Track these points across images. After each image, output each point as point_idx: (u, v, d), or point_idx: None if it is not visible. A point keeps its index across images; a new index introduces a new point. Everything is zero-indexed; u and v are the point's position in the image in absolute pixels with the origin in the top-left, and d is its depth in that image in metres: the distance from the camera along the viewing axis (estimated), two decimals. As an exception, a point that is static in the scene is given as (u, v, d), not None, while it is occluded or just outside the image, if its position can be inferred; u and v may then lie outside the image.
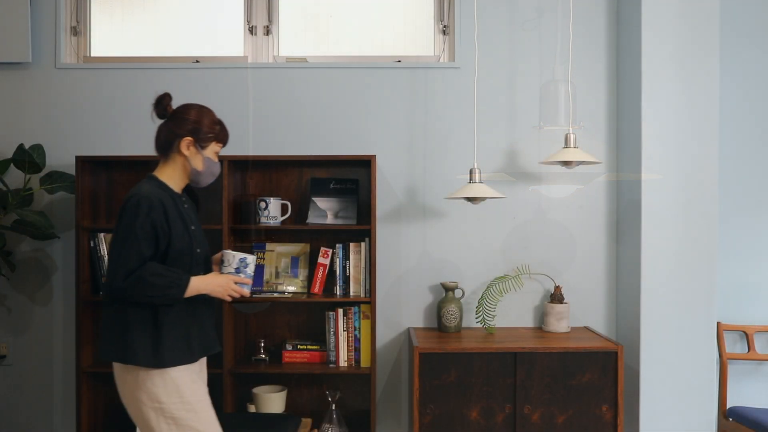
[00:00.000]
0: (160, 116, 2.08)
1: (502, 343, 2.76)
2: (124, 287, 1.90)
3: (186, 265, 2.01)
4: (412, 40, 3.29)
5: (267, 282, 3.01)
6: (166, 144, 2.05)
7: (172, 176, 2.07)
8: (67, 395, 3.11)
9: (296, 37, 3.28)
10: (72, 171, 3.00)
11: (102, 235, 2.88)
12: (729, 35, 3.11)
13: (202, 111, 2.08)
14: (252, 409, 2.95)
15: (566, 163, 2.74)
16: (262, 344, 2.99)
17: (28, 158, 2.85)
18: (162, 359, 1.94)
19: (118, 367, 2.00)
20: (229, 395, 2.88)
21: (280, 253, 3.04)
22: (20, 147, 2.85)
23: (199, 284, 1.99)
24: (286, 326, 3.10)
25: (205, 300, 2.08)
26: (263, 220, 2.92)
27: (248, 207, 3.09)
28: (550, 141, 3.12)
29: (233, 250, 2.18)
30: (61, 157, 3.10)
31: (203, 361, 2.13)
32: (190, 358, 2.00)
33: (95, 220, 2.98)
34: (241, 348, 3.06)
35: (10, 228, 2.88)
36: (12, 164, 2.92)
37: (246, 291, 2.10)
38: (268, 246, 3.05)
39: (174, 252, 1.98)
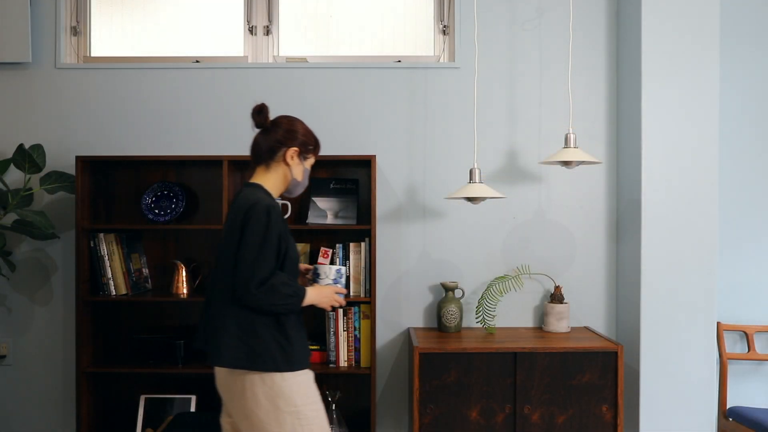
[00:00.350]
0: (258, 126, 2.13)
1: (502, 343, 2.76)
2: (258, 295, 1.92)
3: (295, 274, 2.08)
4: (412, 40, 3.29)
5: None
6: (269, 153, 2.10)
7: (274, 185, 2.12)
8: (67, 395, 3.11)
9: (296, 37, 3.28)
10: (72, 171, 3.00)
11: (102, 235, 2.88)
12: (729, 35, 3.11)
13: (305, 125, 2.17)
14: (252, 409, 2.94)
15: (566, 163, 2.74)
16: (262, 344, 2.99)
17: (28, 158, 2.85)
18: (293, 363, 1.98)
19: (240, 376, 1.97)
20: (229, 395, 2.88)
21: (280, 253, 3.04)
22: (20, 147, 2.85)
23: (311, 295, 2.05)
24: (286, 326, 3.09)
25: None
26: (263, 220, 2.91)
27: (248, 207, 3.09)
28: (550, 141, 3.12)
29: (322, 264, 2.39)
30: (61, 157, 3.10)
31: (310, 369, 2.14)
32: (306, 362, 2.05)
33: (95, 220, 2.98)
34: (241, 348, 3.06)
35: (10, 228, 2.88)
36: (12, 164, 2.92)
37: (343, 300, 2.19)
38: (268, 246, 3.04)
39: (289, 261, 2.03)
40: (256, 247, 1.93)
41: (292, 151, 2.10)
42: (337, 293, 2.13)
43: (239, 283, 1.93)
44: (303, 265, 2.23)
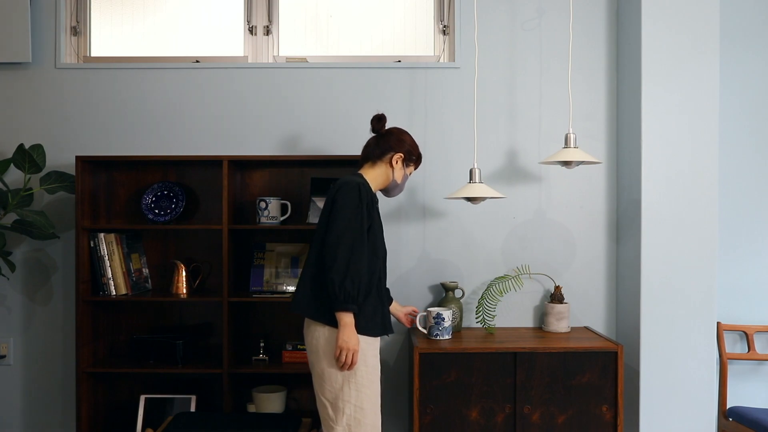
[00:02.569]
0: (374, 131, 2.49)
1: (502, 343, 2.76)
2: (333, 268, 2.18)
3: (376, 249, 2.33)
4: (412, 40, 3.29)
5: (267, 282, 3.01)
6: (379, 153, 2.44)
7: (375, 179, 2.44)
8: (67, 395, 3.11)
9: (296, 37, 3.28)
10: (72, 171, 3.00)
11: (102, 235, 2.88)
12: (729, 35, 3.11)
13: (413, 138, 2.52)
14: (252, 409, 2.95)
15: (566, 163, 2.74)
16: (262, 344, 2.99)
17: (28, 158, 2.85)
18: (357, 326, 2.24)
19: (311, 327, 2.29)
20: (228, 395, 2.88)
21: (280, 253, 3.04)
22: (20, 147, 2.85)
23: (347, 323, 2.22)
24: (286, 326, 3.10)
25: (387, 290, 2.51)
26: (263, 220, 2.92)
27: (248, 207, 3.09)
28: (550, 141, 3.12)
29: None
30: (61, 157, 3.10)
31: (378, 340, 2.37)
32: (373, 332, 2.30)
33: (95, 220, 2.98)
34: (241, 348, 3.06)
35: (10, 228, 2.88)
36: (12, 164, 2.92)
37: (350, 365, 2.28)
38: (268, 246, 3.05)
39: (372, 235, 2.30)
40: (347, 214, 2.22)
41: (398, 156, 2.44)
42: (352, 355, 2.23)
43: (327, 251, 2.21)
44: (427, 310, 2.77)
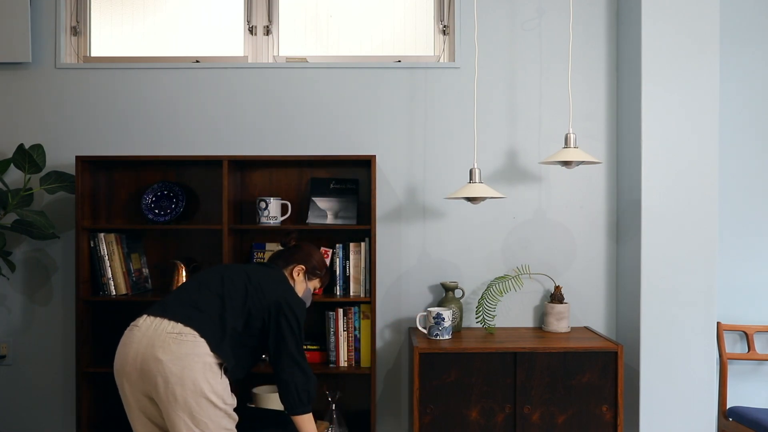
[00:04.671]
0: (282, 244, 2.57)
1: (502, 343, 2.76)
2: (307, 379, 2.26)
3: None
4: (412, 40, 3.29)
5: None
6: (283, 263, 2.48)
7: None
8: (67, 395, 3.11)
9: (296, 37, 3.28)
10: (72, 171, 3.00)
11: (102, 235, 2.88)
12: (729, 35, 3.11)
13: (322, 257, 2.56)
14: (252, 409, 2.94)
15: (566, 163, 2.74)
16: (262, 344, 2.99)
17: (28, 158, 2.85)
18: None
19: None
20: (229, 395, 2.88)
21: (280, 253, 3.04)
22: (20, 147, 2.85)
23: (311, 424, 2.30)
24: (286, 326, 3.09)
25: None
26: (263, 220, 2.92)
27: (248, 207, 3.09)
28: (550, 141, 3.12)
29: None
30: (61, 157, 3.10)
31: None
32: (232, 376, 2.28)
33: (95, 220, 2.98)
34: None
35: (10, 228, 2.88)
36: (12, 164, 2.92)
37: None
38: (268, 246, 3.05)
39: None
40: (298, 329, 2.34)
41: (299, 269, 2.45)
42: None
43: (302, 364, 2.29)
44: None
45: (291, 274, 2.44)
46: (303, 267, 2.45)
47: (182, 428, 2.06)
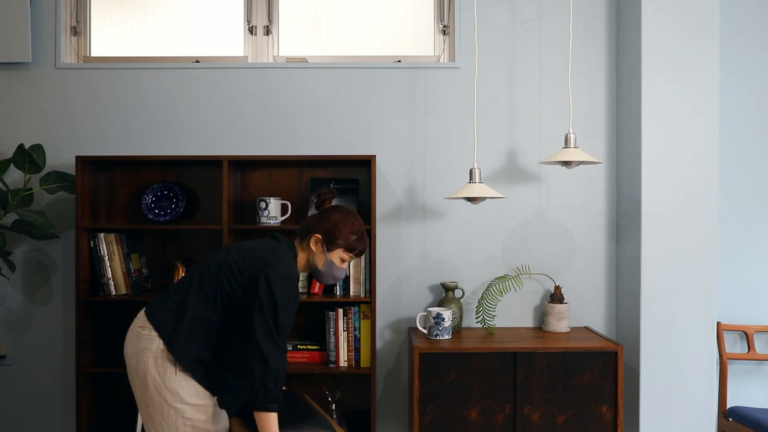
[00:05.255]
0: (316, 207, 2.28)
1: (502, 343, 2.76)
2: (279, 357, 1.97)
3: None
4: (412, 40, 3.29)
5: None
6: (303, 232, 2.22)
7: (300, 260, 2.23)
8: (67, 395, 3.11)
9: (296, 37, 3.28)
10: (72, 171, 3.00)
11: (102, 235, 2.88)
12: (729, 35, 3.11)
13: (354, 225, 2.22)
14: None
15: (566, 163, 2.74)
16: (262, 344, 2.99)
17: (28, 158, 2.85)
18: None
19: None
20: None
21: (280, 253, 3.04)
22: (20, 147, 2.85)
23: (272, 424, 1.99)
24: (286, 326, 3.09)
25: None
26: (263, 220, 2.92)
27: (248, 207, 3.09)
28: (550, 141, 3.12)
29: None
30: (61, 157, 3.10)
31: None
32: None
33: (95, 220, 2.98)
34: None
35: (10, 228, 2.88)
36: (12, 164, 2.92)
37: None
38: (268, 246, 3.05)
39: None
40: (278, 309, 2.05)
41: (316, 238, 2.18)
42: None
43: (271, 337, 2.00)
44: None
45: (309, 246, 2.18)
46: (320, 236, 2.17)
47: (144, 420, 2.08)
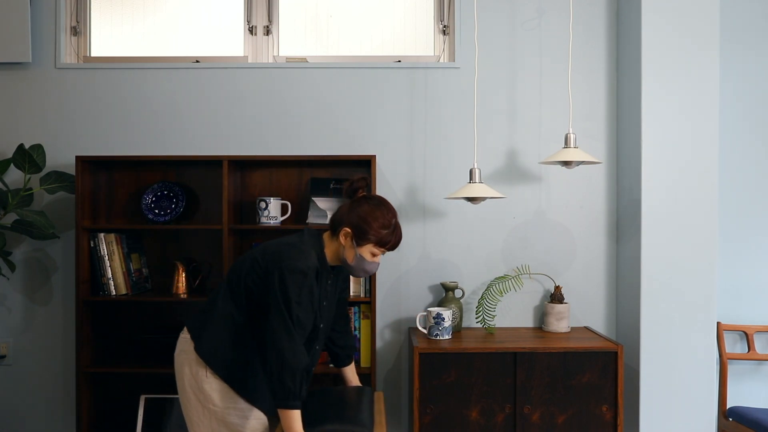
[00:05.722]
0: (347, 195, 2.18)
1: (502, 343, 2.76)
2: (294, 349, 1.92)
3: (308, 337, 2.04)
4: (412, 40, 3.29)
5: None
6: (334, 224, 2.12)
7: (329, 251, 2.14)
8: (67, 395, 3.11)
9: (296, 37, 3.28)
10: (72, 171, 3.00)
11: (102, 235, 2.88)
12: (729, 35, 3.11)
13: (384, 218, 2.10)
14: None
15: (566, 163, 2.74)
16: (262, 344, 2.99)
17: (28, 158, 2.85)
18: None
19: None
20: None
21: (280, 253, 3.04)
22: (20, 147, 2.85)
23: (293, 423, 1.92)
24: (286, 326, 3.09)
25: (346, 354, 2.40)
26: (263, 220, 2.92)
27: (248, 207, 3.09)
28: (550, 141, 3.12)
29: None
30: (61, 157, 3.10)
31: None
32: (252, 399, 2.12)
33: (95, 220, 2.98)
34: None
35: (10, 228, 2.88)
36: (12, 164, 2.92)
37: None
38: (268, 246, 3.05)
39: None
40: (290, 301, 2.00)
41: (345, 231, 2.09)
42: None
43: (287, 331, 1.96)
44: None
45: (339, 239, 2.08)
46: (349, 230, 2.06)
47: (185, 420, 2.10)
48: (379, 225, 2.06)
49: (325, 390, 2.34)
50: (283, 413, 1.91)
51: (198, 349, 2.03)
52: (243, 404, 2.05)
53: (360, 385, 2.43)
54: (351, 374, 2.43)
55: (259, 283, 2.00)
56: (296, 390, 1.90)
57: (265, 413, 2.09)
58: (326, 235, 2.13)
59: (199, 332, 2.06)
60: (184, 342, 2.09)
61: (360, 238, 2.05)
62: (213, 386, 2.03)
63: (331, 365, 2.92)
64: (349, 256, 2.08)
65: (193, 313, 2.16)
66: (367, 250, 2.08)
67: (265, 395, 2.07)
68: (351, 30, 3.28)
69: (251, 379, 2.06)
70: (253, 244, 3.05)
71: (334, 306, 2.24)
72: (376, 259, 2.11)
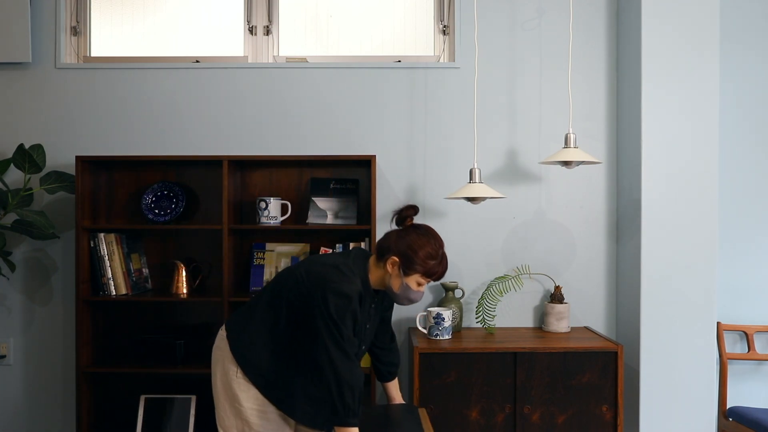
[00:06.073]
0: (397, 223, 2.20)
1: (502, 343, 2.76)
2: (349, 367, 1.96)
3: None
4: (412, 40, 3.29)
5: (267, 282, 3.01)
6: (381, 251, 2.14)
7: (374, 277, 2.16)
8: (67, 395, 3.11)
9: (296, 37, 3.28)
10: (72, 171, 3.00)
11: (102, 235, 2.88)
12: (729, 35, 3.11)
13: (433, 250, 2.12)
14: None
15: (566, 163, 2.74)
16: (262, 344, 2.99)
17: (28, 158, 2.85)
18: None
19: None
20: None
21: (280, 253, 3.04)
22: (20, 147, 2.85)
23: None
24: (286, 326, 3.09)
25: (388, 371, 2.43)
26: (263, 220, 2.92)
27: (248, 207, 3.09)
28: (550, 141, 3.12)
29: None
30: (61, 157, 3.10)
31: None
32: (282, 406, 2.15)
33: (95, 220, 2.98)
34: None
35: (10, 228, 2.88)
36: (12, 164, 2.92)
37: None
38: (268, 246, 3.05)
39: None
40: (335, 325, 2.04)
41: (393, 260, 2.10)
42: None
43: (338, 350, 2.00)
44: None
45: (385, 266, 2.11)
46: (396, 259, 2.08)
47: (215, 413, 2.16)
48: (426, 256, 2.09)
49: (371, 408, 2.40)
50: (340, 431, 1.96)
51: (233, 350, 2.09)
52: (267, 407, 2.09)
53: (404, 402, 2.48)
54: (394, 391, 2.46)
55: (301, 301, 2.03)
56: (355, 408, 1.95)
57: (310, 426, 2.14)
58: (372, 260, 2.15)
59: (237, 334, 2.12)
60: (221, 339, 2.16)
61: (407, 267, 2.08)
62: (241, 387, 2.08)
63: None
64: (395, 285, 2.10)
65: (234, 313, 2.21)
66: (413, 280, 2.10)
67: (314, 409, 2.12)
68: (351, 30, 3.28)
69: (293, 389, 2.10)
70: (253, 244, 3.05)
71: (376, 326, 2.28)
72: (421, 288, 2.14)
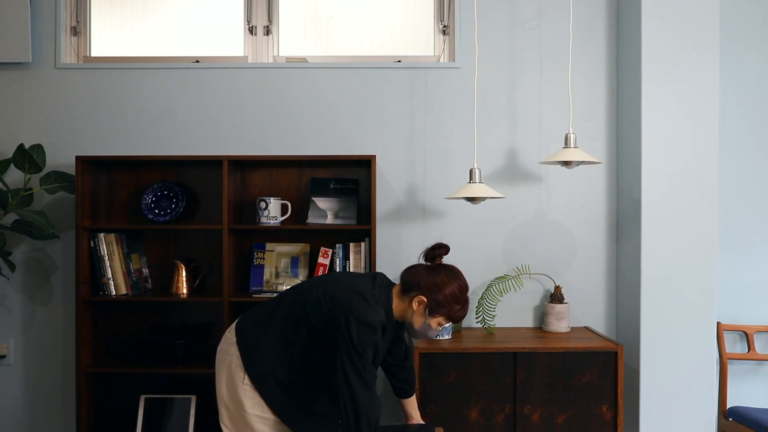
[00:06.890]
0: (427, 259, 2.18)
1: (502, 343, 2.76)
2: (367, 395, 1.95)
3: None
4: (412, 40, 3.29)
5: (267, 282, 3.01)
6: (407, 286, 2.13)
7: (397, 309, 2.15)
8: (67, 395, 3.11)
9: (296, 37, 3.28)
10: (72, 171, 3.00)
11: (102, 235, 2.88)
12: (729, 35, 3.11)
13: (460, 291, 2.12)
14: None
15: (566, 163, 2.74)
16: (262, 344, 2.99)
17: (28, 158, 2.85)
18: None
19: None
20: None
21: (280, 253, 3.04)
22: (20, 147, 2.85)
23: None
24: (286, 326, 3.09)
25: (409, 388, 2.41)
26: (263, 220, 2.92)
27: (248, 207, 3.09)
28: (550, 141, 3.12)
29: None
30: (61, 157, 3.10)
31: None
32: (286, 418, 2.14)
33: (95, 220, 2.98)
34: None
35: (10, 228, 2.88)
36: (12, 164, 2.92)
37: None
38: (268, 246, 3.05)
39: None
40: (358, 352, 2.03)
41: (419, 299, 2.09)
42: None
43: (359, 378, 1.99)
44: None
45: (411, 302, 2.10)
46: (424, 299, 2.08)
47: (219, 413, 2.18)
48: (453, 300, 2.09)
49: (387, 428, 2.37)
50: None
51: (244, 357, 2.08)
52: (270, 415, 2.09)
53: (422, 422, 2.46)
54: (412, 409, 2.45)
55: (321, 321, 2.02)
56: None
57: None
58: (396, 291, 2.14)
59: (248, 342, 2.10)
60: (229, 344, 2.14)
61: (433, 309, 2.09)
62: (247, 394, 2.07)
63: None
64: (417, 323, 2.12)
65: (245, 319, 2.17)
66: (435, 321, 2.12)
67: (316, 423, 2.13)
68: (351, 30, 3.28)
69: (301, 403, 2.10)
70: (253, 244, 3.05)
71: (388, 346, 2.27)
72: (439, 328, 2.16)
